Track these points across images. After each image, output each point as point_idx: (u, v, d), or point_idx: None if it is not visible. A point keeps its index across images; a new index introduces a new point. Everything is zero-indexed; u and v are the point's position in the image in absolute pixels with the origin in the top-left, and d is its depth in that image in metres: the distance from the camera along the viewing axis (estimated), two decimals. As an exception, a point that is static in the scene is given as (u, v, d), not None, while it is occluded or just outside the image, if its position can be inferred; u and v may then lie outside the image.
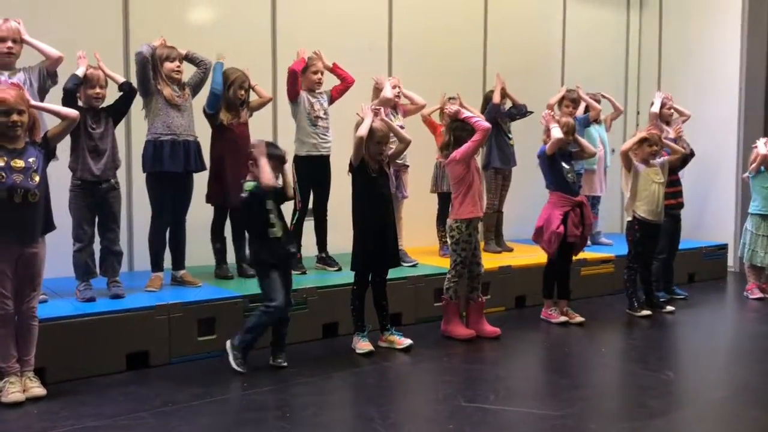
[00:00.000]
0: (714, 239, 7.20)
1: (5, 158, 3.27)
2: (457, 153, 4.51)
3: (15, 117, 3.30)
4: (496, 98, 5.99)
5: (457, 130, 4.57)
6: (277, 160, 3.92)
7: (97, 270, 4.26)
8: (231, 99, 4.78)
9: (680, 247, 6.00)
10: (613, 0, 8.19)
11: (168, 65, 4.44)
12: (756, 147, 5.98)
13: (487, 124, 4.58)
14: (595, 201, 6.62)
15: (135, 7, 5.11)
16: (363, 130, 4.18)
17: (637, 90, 8.36)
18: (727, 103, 7.39)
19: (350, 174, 4.29)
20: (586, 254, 5.69)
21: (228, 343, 3.90)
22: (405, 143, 4.51)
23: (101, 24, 4.98)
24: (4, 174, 3.24)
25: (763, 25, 7.36)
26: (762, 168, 5.91)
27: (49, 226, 3.47)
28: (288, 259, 4.04)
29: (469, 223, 4.57)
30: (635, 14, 8.34)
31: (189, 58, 4.59)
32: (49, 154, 3.46)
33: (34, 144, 3.40)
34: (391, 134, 4.45)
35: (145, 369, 3.92)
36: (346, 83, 5.21)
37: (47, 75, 4.04)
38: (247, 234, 4.39)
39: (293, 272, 4.92)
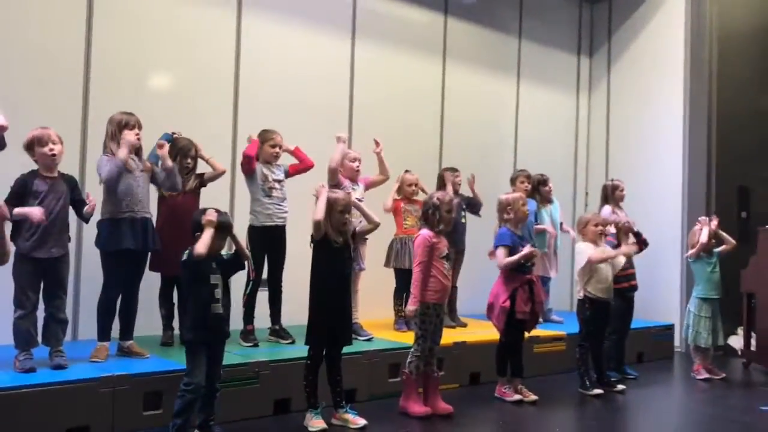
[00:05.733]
0: (661, 319, 7.36)
1: None
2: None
3: None
4: (447, 190, 5.98)
5: (434, 208, 4.63)
6: (225, 229, 3.76)
7: (39, 339, 4.04)
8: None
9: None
10: (565, 84, 8.58)
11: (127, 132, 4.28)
12: (699, 228, 6.09)
13: None
14: (545, 280, 6.70)
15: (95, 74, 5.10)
16: (319, 213, 4.11)
17: (586, 170, 8.69)
18: (670, 187, 7.72)
19: (312, 245, 4.21)
20: (538, 332, 5.73)
21: None
22: (374, 225, 4.42)
23: (61, 102, 4.93)
24: None
25: (703, 112, 7.79)
26: (702, 253, 6.09)
27: None
28: (224, 337, 3.84)
29: (436, 304, 4.60)
30: (584, 98, 8.75)
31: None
32: None
33: None
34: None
35: (84, 446, 3.71)
36: (304, 164, 5.21)
37: None
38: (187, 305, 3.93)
39: (245, 344, 4.87)
